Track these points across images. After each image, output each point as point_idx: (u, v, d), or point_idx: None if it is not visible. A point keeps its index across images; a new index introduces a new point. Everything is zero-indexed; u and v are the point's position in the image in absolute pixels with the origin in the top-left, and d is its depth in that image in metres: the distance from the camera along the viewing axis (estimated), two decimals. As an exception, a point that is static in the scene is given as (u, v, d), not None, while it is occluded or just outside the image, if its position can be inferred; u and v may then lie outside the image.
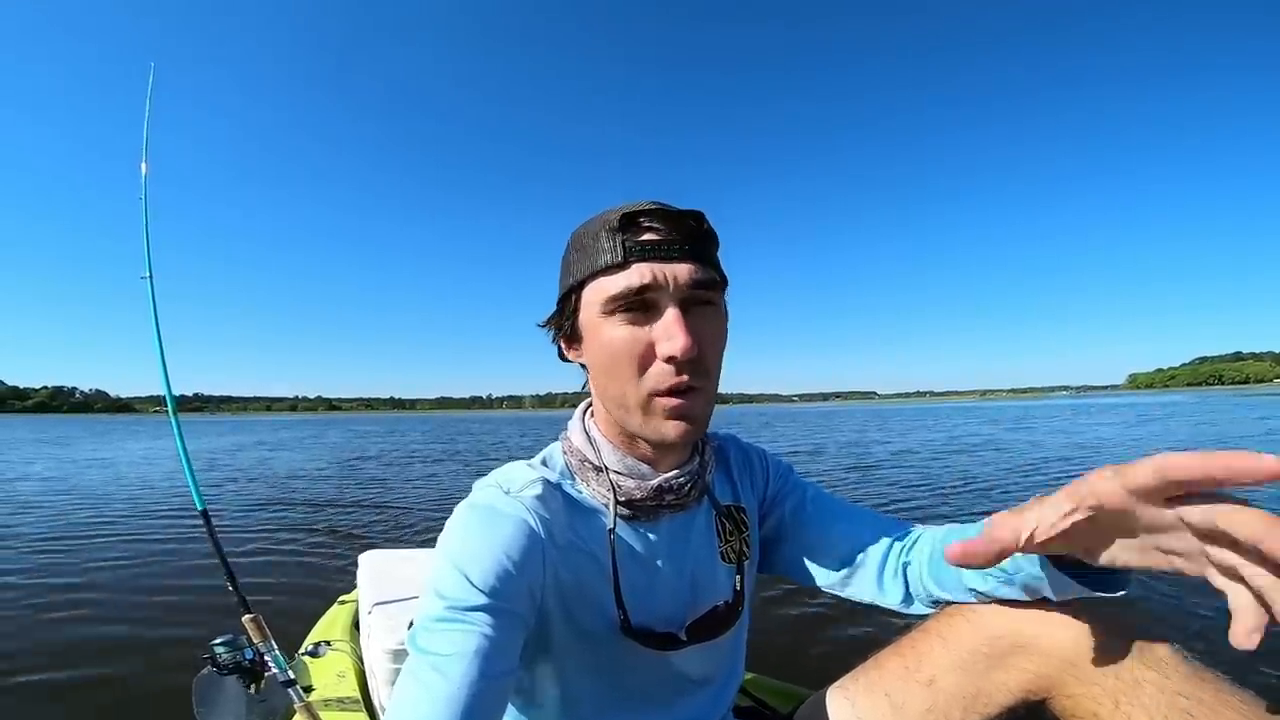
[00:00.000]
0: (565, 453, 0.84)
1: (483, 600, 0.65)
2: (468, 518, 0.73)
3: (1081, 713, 0.68)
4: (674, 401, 0.71)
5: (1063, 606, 0.71)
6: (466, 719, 0.58)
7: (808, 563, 0.92)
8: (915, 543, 0.85)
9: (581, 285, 0.75)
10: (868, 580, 0.87)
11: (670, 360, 0.69)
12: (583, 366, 0.84)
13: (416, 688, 0.60)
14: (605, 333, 0.72)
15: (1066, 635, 0.70)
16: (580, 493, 0.81)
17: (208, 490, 8.07)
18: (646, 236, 0.70)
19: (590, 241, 0.73)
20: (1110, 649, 0.67)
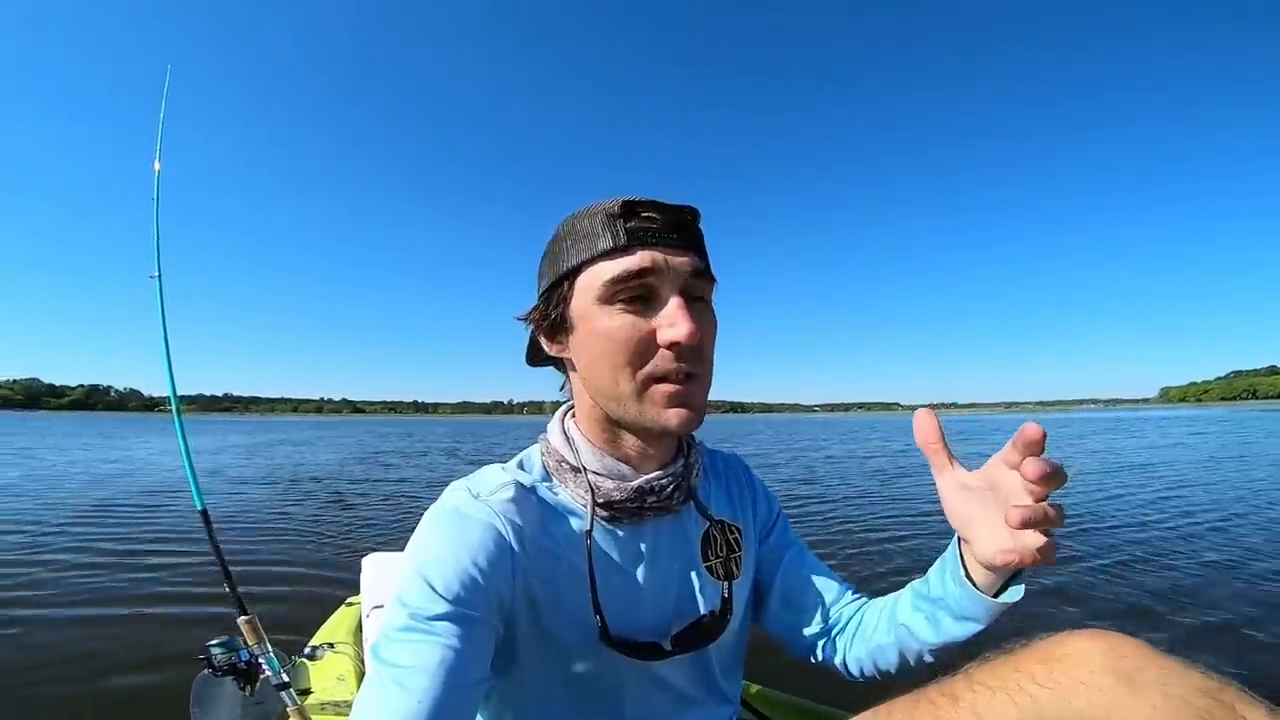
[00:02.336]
0: (543, 454, 0.81)
1: (447, 609, 0.62)
2: (433, 522, 0.70)
3: None
4: (674, 388, 0.69)
5: (1117, 660, 0.54)
6: None
7: (779, 612, 0.92)
8: (866, 608, 0.88)
9: (576, 271, 0.71)
10: (831, 643, 0.89)
11: (673, 347, 0.67)
12: (559, 366, 0.82)
13: (377, 702, 0.57)
14: (603, 320, 0.69)
15: (1127, 710, 0.51)
16: (557, 495, 0.78)
17: (224, 487, 8.26)
18: (648, 224, 0.69)
19: (587, 228, 0.70)
20: (1195, 707, 0.49)
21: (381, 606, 1.46)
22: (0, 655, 2.50)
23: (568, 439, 0.80)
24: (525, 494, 0.75)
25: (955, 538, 0.73)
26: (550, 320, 0.76)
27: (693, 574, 0.82)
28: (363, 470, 11.32)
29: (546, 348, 0.79)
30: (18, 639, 2.69)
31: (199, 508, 1.53)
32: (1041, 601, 3.21)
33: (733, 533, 0.86)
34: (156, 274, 1.78)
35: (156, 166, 1.92)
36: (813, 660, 0.92)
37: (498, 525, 0.69)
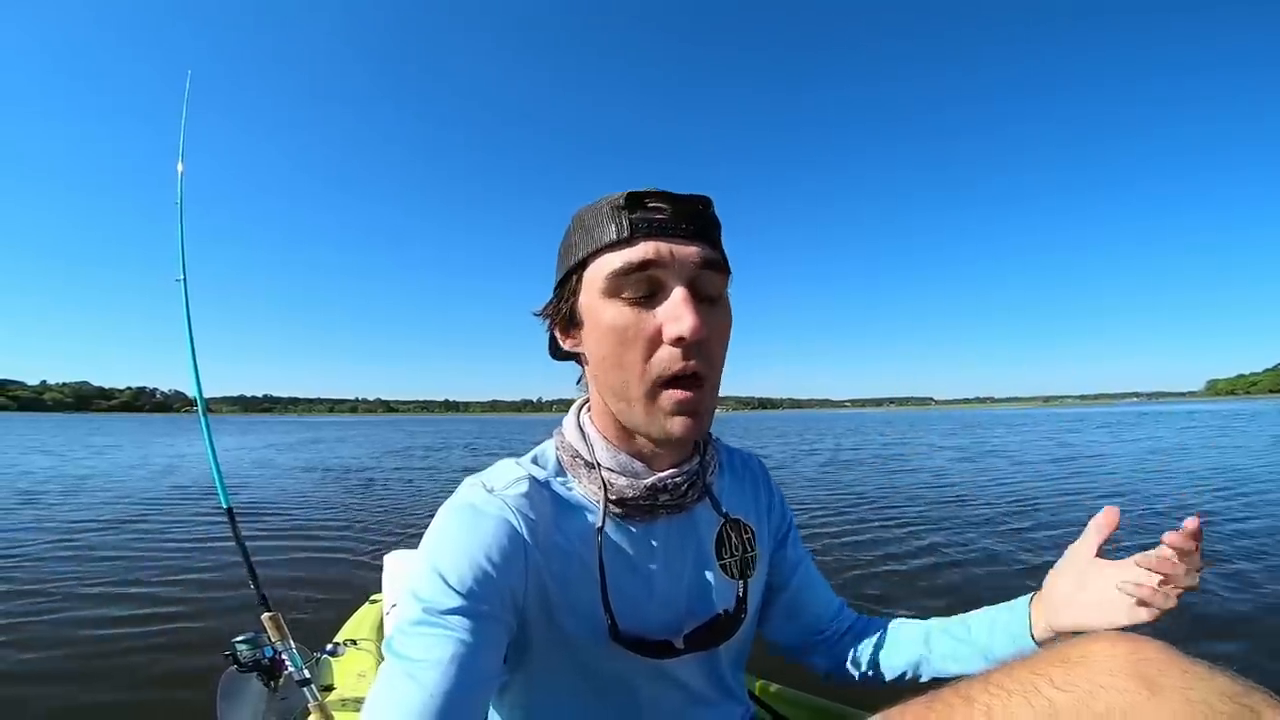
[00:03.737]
0: (558, 449, 0.81)
1: (459, 603, 0.61)
2: (448, 518, 0.69)
3: None
4: (680, 395, 0.67)
5: (1139, 664, 0.49)
6: None
7: (781, 623, 0.94)
8: (861, 624, 0.94)
9: (583, 265, 0.70)
10: (826, 652, 0.93)
11: (678, 343, 0.65)
12: (577, 360, 0.81)
13: (389, 695, 0.57)
14: (608, 315, 0.68)
15: (1148, 715, 0.45)
16: (571, 491, 0.77)
17: (256, 485, 8.46)
18: (653, 215, 0.67)
19: (593, 220, 0.69)
20: (1218, 712, 0.44)
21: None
22: (23, 643, 2.58)
23: (583, 434, 0.79)
24: (539, 489, 0.74)
25: (1029, 597, 0.81)
26: (563, 314, 0.75)
27: (707, 572, 0.81)
28: (389, 467, 11.54)
29: (561, 342, 0.78)
30: (42, 628, 2.80)
31: (224, 506, 1.56)
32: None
33: (747, 532, 0.85)
34: (182, 277, 1.80)
35: (180, 169, 1.93)
36: (809, 669, 0.96)
37: (511, 520, 0.69)
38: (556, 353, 0.84)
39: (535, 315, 0.81)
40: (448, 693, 0.56)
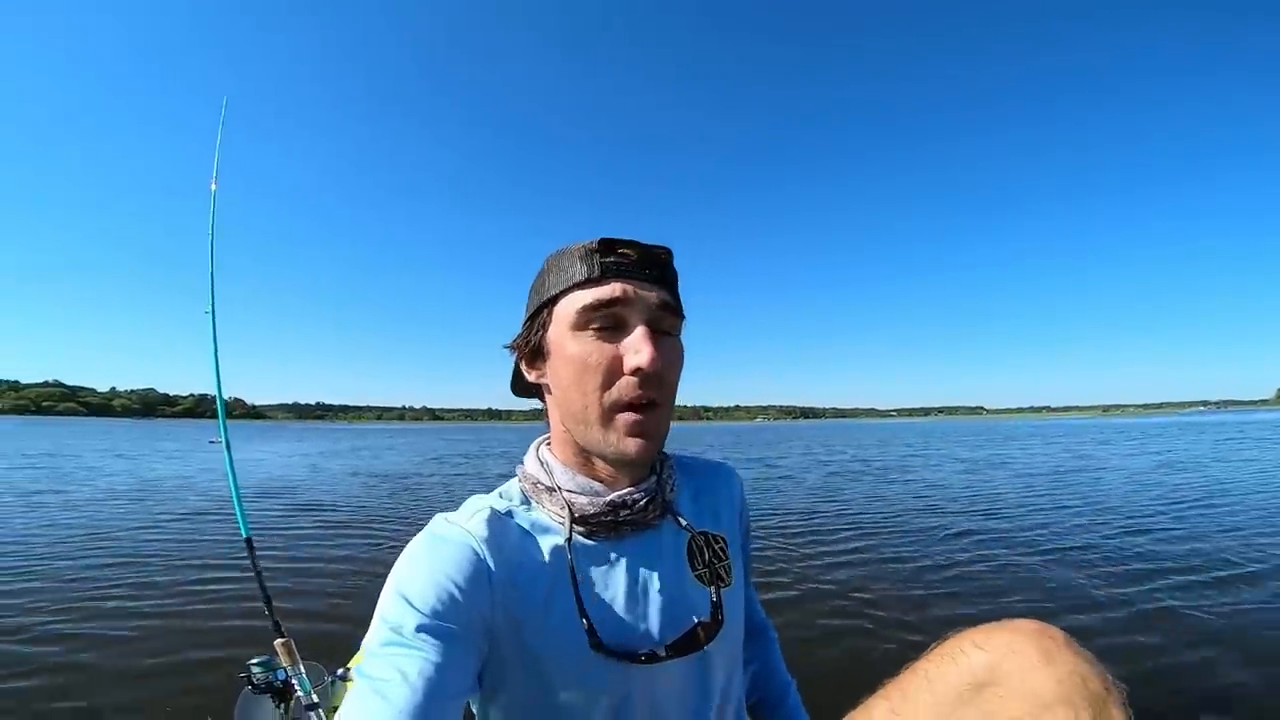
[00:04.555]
0: (520, 480, 0.86)
1: (424, 622, 0.64)
2: (413, 548, 0.73)
3: None
4: (635, 418, 0.73)
5: (1043, 640, 0.72)
6: None
7: None
8: (764, 643, 1.04)
9: (555, 300, 0.77)
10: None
11: (636, 373, 0.71)
12: (540, 393, 0.87)
13: (359, 712, 0.58)
14: (574, 345, 0.74)
15: (1040, 676, 0.69)
16: (534, 516, 0.81)
17: (288, 500, 8.62)
18: (622, 260, 0.74)
19: (567, 262, 0.76)
20: (1082, 693, 0.67)
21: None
22: (45, 658, 2.68)
23: (542, 464, 0.84)
24: (500, 517, 0.78)
25: None
26: (531, 346, 0.81)
27: (680, 585, 0.83)
28: (425, 474, 11.72)
29: (527, 374, 0.84)
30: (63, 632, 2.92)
31: (244, 535, 1.63)
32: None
33: (717, 541, 0.89)
34: (210, 309, 1.78)
35: (213, 187, 1.91)
36: None
37: (473, 545, 0.72)
38: (518, 387, 0.92)
39: (505, 348, 0.86)
40: (417, 707, 0.58)
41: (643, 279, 0.75)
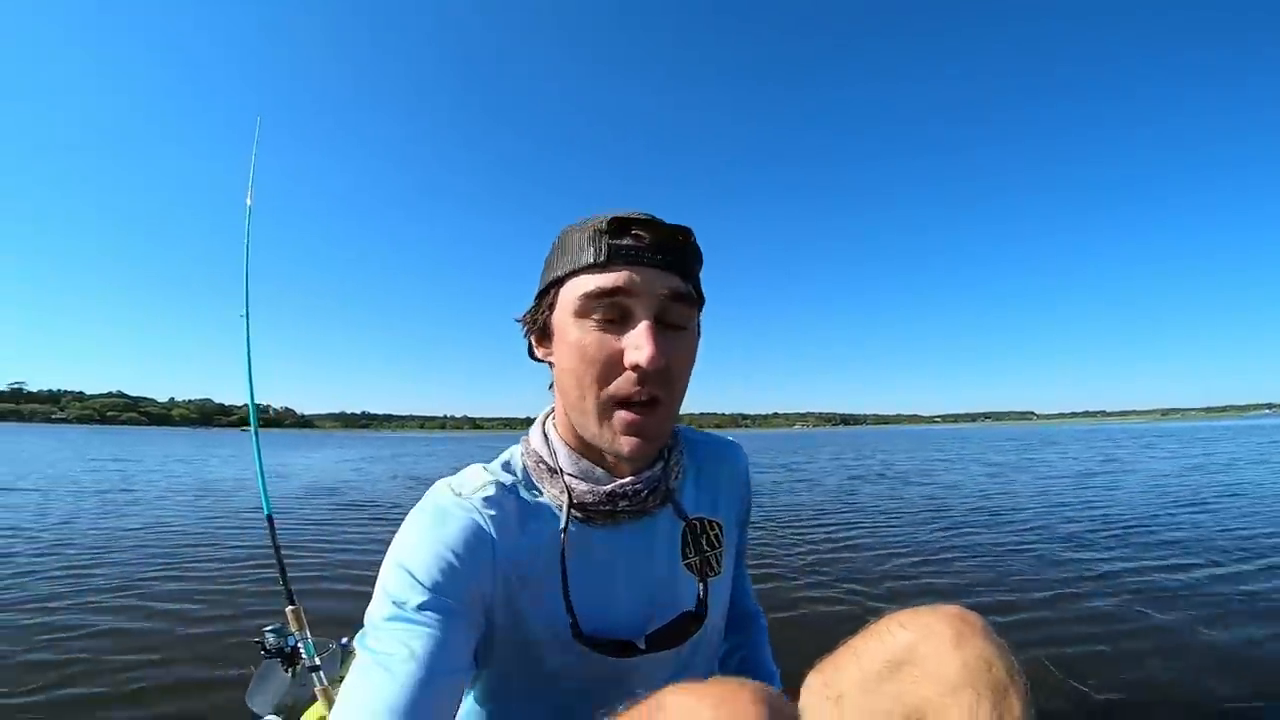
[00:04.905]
0: (524, 455, 0.84)
1: (428, 598, 0.64)
2: (415, 519, 0.72)
3: None
4: (631, 417, 0.70)
5: (958, 625, 0.71)
6: (413, 716, 0.56)
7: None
8: (751, 644, 1.01)
9: (560, 282, 0.73)
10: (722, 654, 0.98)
11: (635, 369, 0.68)
12: (550, 365, 0.82)
13: (364, 685, 0.59)
14: (575, 334, 0.71)
15: (950, 659, 0.68)
16: (536, 496, 0.79)
17: (323, 498, 8.95)
18: (631, 242, 0.69)
19: (575, 241, 0.72)
20: (985, 679, 0.65)
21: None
22: (77, 625, 2.90)
23: (546, 440, 0.82)
24: (505, 493, 0.77)
25: None
26: (538, 325, 0.78)
27: (670, 574, 0.83)
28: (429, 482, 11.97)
29: (535, 349, 0.81)
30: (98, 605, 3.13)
31: (266, 513, 1.78)
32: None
33: (713, 528, 0.88)
34: (245, 313, 1.89)
35: (248, 201, 1.98)
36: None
37: (478, 520, 0.71)
38: (534, 356, 0.87)
39: (516, 320, 0.84)
40: (422, 682, 0.58)
41: (655, 265, 0.70)
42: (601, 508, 0.77)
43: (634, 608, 0.81)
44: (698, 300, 0.75)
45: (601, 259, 0.69)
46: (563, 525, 0.76)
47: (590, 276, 0.70)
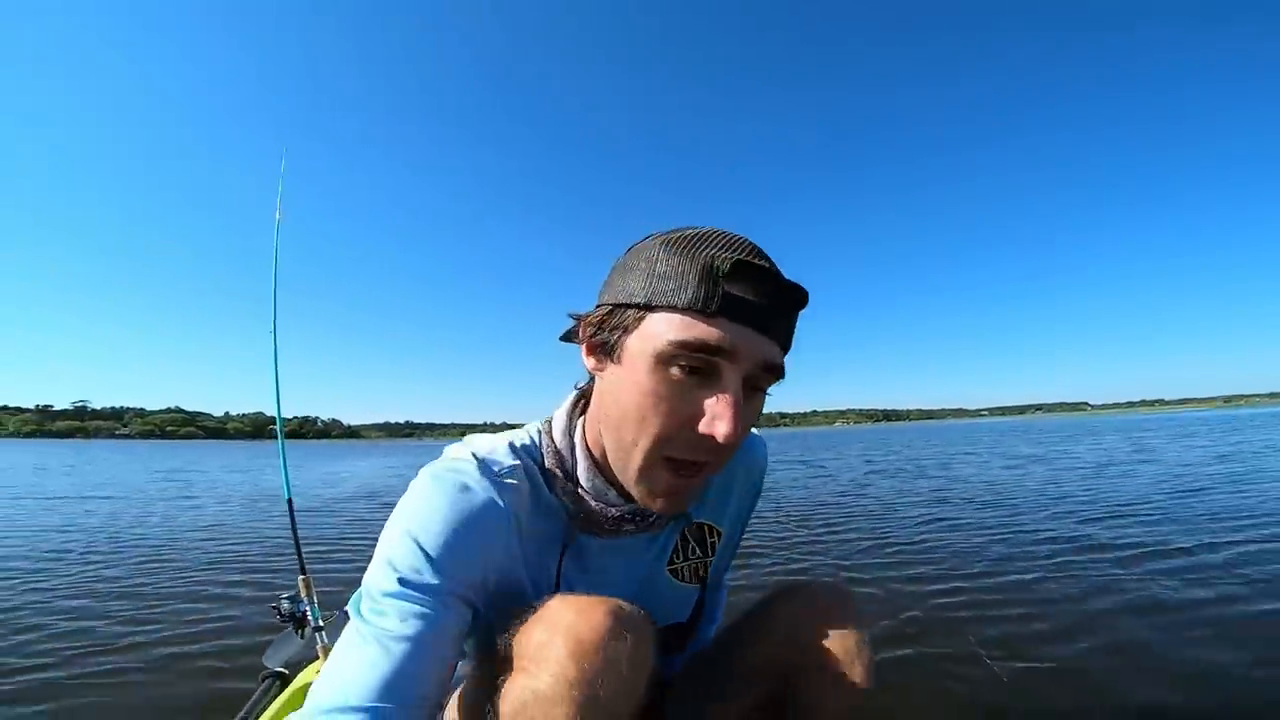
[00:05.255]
0: (545, 445, 0.78)
1: (438, 582, 0.62)
2: (439, 489, 0.68)
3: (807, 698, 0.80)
4: (679, 483, 0.66)
5: (828, 599, 0.83)
6: (406, 699, 0.56)
7: None
8: None
9: (650, 308, 0.64)
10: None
11: (707, 439, 0.62)
12: (596, 374, 0.74)
13: (360, 658, 0.58)
14: (653, 379, 0.63)
15: (811, 631, 0.80)
16: (547, 496, 0.76)
17: (353, 499, 9.30)
18: (748, 295, 0.61)
19: (683, 267, 0.62)
20: (840, 648, 0.78)
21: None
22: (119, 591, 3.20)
23: (572, 443, 0.77)
24: (528, 486, 0.74)
25: None
26: (603, 339, 0.69)
27: (658, 582, 0.83)
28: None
29: (585, 357, 0.73)
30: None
31: (287, 497, 2.03)
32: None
33: (711, 534, 0.87)
34: (273, 329, 2.03)
35: (277, 216, 2.06)
36: None
37: (501, 509, 0.69)
38: (569, 336, 0.78)
39: (570, 315, 0.75)
40: (419, 668, 0.57)
41: (762, 329, 0.62)
42: (606, 526, 0.75)
43: None
44: (783, 373, 0.68)
45: (712, 308, 0.60)
46: (565, 540, 0.75)
47: (691, 321, 0.61)
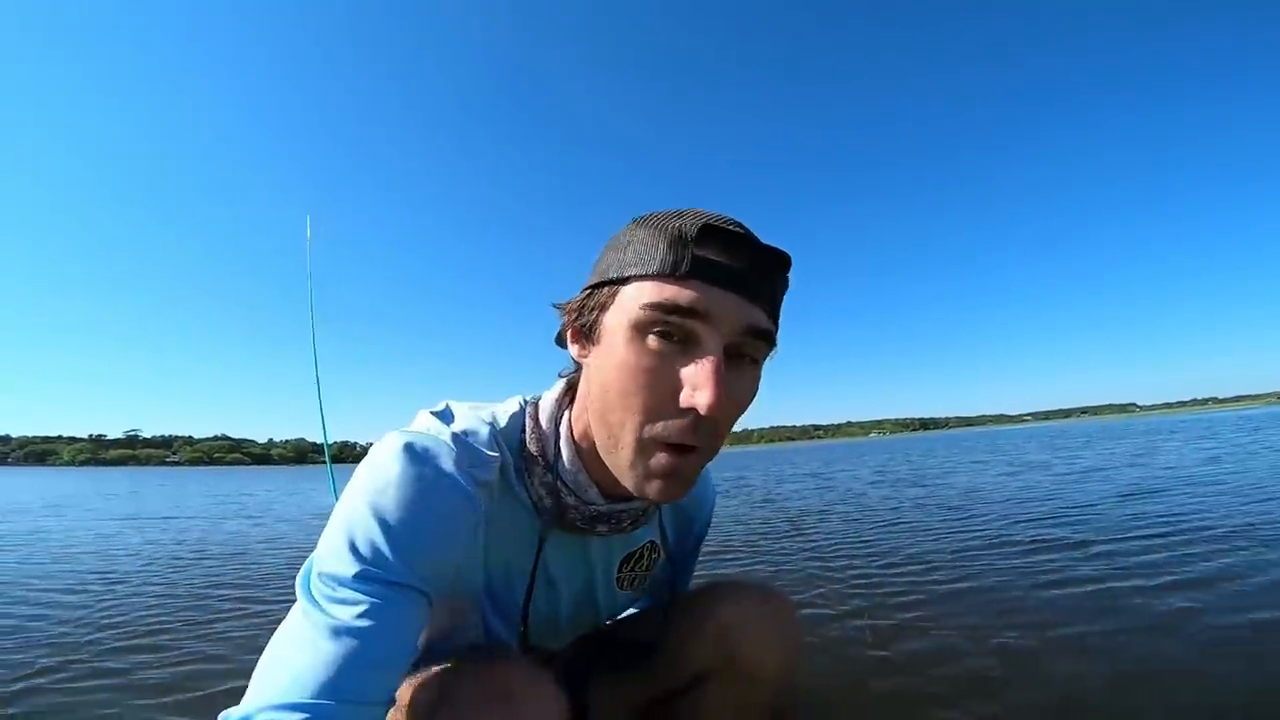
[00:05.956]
0: (524, 429, 0.75)
1: (402, 574, 0.58)
2: (411, 468, 0.62)
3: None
4: (671, 462, 0.61)
5: (761, 604, 0.84)
6: (357, 696, 0.52)
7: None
8: None
9: (623, 281, 0.62)
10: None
11: (689, 412, 0.59)
12: (581, 365, 0.72)
13: (308, 644, 0.53)
14: (630, 350, 0.61)
15: (739, 635, 0.81)
16: (521, 491, 0.73)
17: None
18: (719, 258, 0.59)
19: (652, 240, 0.60)
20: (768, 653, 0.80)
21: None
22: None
23: (557, 432, 0.74)
24: (503, 480, 0.71)
25: None
26: (582, 322, 0.68)
27: (605, 588, 0.83)
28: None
29: (570, 345, 0.72)
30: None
31: (334, 498, 2.57)
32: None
33: (654, 552, 0.86)
34: (313, 350, 2.09)
35: (308, 233, 2.13)
36: None
37: (475, 507, 0.65)
38: (562, 341, 0.76)
39: (554, 307, 0.73)
40: (372, 665, 0.54)
41: (740, 290, 0.59)
42: (579, 524, 0.73)
43: (575, 621, 0.81)
44: (773, 341, 0.64)
45: (682, 270, 0.58)
46: (541, 534, 0.72)
47: (661, 285, 0.59)
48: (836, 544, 4.36)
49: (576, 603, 0.81)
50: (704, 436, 0.62)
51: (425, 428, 0.69)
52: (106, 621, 2.79)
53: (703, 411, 0.57)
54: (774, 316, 0.64)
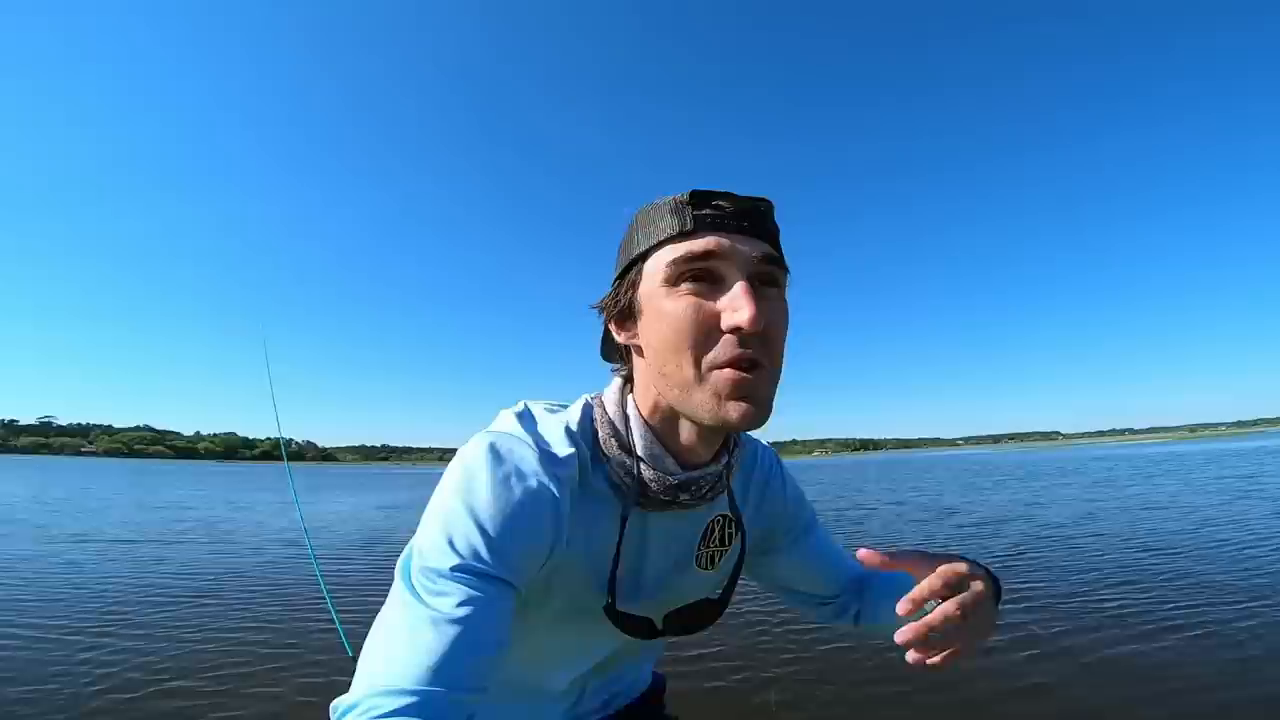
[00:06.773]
0: (596, 419, 0.79)
1: (498, 570, 0.62)
2: (495, 469, 0.67)
3: None
4: (736, 377, 0.64)
5: None
6: (456, 684, 0.56)
7: (789, 584, 1.01)
8: (869, 588, 0.97)
9: (645, 256, 0.70)
10: (828, 615, 1.02)
11: (735, 331, 0.63)
12: (626, 354, 0.80)
13: (410, 634, 0.57)
14: (667, 304, 0.67)
15: None
16: (600, 479, 0.77)
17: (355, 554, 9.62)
18: (716, 211, 0.67)
19: (656, 214, 0.69)
20: None
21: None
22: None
23: (625, 414, 0.78)
24: (581, 472, 0.75)
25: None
26: (620, 306, 0.75)
27: (686, 562, 0.85)
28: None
29: (616, 335, 0.78)
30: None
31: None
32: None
33: (730, 525, 0.87)
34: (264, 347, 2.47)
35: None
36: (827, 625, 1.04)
37: (557, 495, 0.69)
38: (607, 351, 0.84)
39: (592, 308, 0.80)
40: (471, 653, 0.57)
41: (741, 231, 0.67)
42: (662, 496, 0.75)
43: (656, 589, 0.83)
44: (786, 267, 0.71)
45: (689, 227, 0.66)
46: (623, 511, 0.75)
47: (678, 244, 0.67)
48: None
49: (665, 569, 0.84)
50: (759, 350, 0.65)
51: (507, 428, 0.74)
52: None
53: (744, 324, 0.62)
54: (776, 247, 0.71)
